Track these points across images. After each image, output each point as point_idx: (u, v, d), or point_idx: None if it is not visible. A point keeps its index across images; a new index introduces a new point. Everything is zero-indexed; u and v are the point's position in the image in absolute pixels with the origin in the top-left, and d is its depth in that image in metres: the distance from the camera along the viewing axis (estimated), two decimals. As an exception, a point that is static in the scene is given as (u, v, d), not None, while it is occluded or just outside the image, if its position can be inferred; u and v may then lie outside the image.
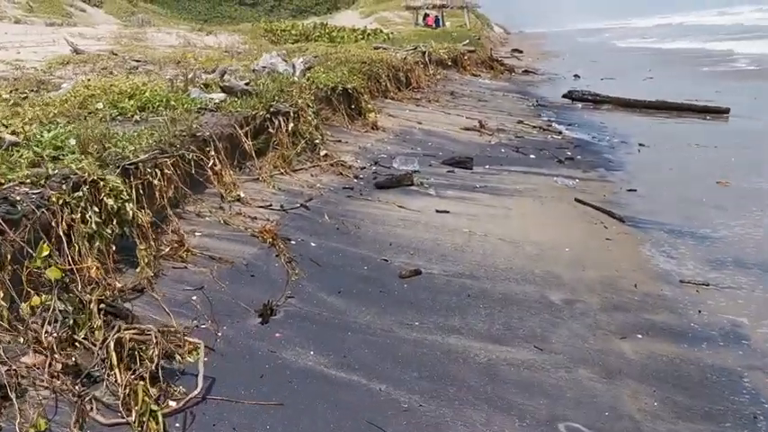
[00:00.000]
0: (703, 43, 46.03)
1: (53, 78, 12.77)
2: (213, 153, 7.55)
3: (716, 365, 5.02)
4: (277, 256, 6.13)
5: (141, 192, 5.84)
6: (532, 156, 11.63)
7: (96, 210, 5.09)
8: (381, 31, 30.33)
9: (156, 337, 4.09)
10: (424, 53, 22.00)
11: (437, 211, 8.01)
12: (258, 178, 8.22)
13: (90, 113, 8.22)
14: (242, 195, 7.51)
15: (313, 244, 6.57)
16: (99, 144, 5.82)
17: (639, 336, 5.37)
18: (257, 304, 5.23)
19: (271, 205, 7.41)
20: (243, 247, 6.18)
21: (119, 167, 5.66)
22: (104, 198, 5.18)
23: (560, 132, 14.07)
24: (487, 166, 10.59)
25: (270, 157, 8.75)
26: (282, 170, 8.65)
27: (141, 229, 5.51)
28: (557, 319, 5.57)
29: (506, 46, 51.19)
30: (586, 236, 7.69)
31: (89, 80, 9.88)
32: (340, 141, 10.77)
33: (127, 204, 5.34)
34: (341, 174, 9.06)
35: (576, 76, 27.34)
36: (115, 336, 4.06)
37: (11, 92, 9.99)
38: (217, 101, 8.91)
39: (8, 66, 14.69)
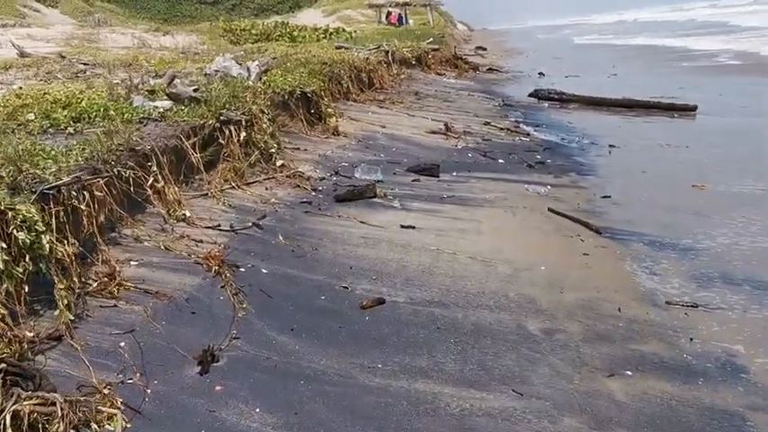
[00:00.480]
0: (661, 39, 46.06)
1: (-5, 84, 11.86)
2: (155, 169, 6.80)
3: (716, 407, 4.43)
4: (223, 287, 5.41)
5: (65, 219, 5.07)
6: (501, 160, 11.03)
7: (4, 245, 4.33)
8: (344, 30, 29.57)
9: (62, 410, 3.36)
10: (387, 52, 21.32)
11: (402, 227, 7.34)
12: (207, 194, 7.48)
13: (19, 125, 7.45)
14: (187, 215, 6.76)
15: (264, 270, 5.85)
16: (13, 165, 5.04)
17: (629, 372, 4.76)
18: (197, 349, 4.51)
19: (219, 225, 6.67)
20: (184, 278, 5.45)
21: (35, 193, 4.89)
22: (14, 231, 4.42)
23: (528, 134, 13.51)
24: (455, 173, 9.96)
25: (220, 169, 7.99)
26: (234, 184, 7.90)
27: (61, 263, 4.75)
28: (536, 353, 4.94)
29: (470, 43, 50.72)
30: (563, 251, 7.09)
31: (20, 88, 9.02)
32: (298, 149, 10.05)
33: (43, 237, 4.58)
34: (298, 186, 8.34)
35: (540, 73, 26.88)
36: (12, 408, 3.32)
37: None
38: (162, 109, 8.14)
39: (-56, 71, 13.69)
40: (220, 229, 6.60)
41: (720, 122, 15.58)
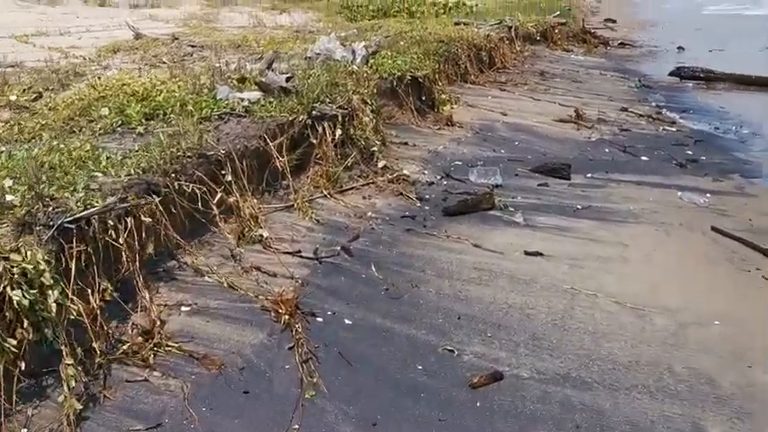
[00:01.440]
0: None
1: (97, 69, 11.15)
2: (229, 177, 5.58)
3: None
4: (291, 347, 4.10)
5: (94, 258, 3.91)
6: (644, 157, 9.11)
7: (-8, 310, 3.19)
8: (464, 4, 27.65)
9: None
10: (509, 28, 19.40)
11: (526, 254, 5.76)
12: (293, 205, 6.20)
13: (90, 122, 6.46)
14: (265, 235, 5.50)
15: (348, 321, 4.49)
16: (31, 188, 3.90)
17: None
18: (241, 455, 3.23)
19: (300, 251, 5.37)
20: (245, 333, 4.19)
21: (52, 227, 3.73)
22: (8, 289, 3.26)
23: (674, 122, 11.37)
24: (589, 175, 8.20)
25: (310, 174, 6.70)
26: (326, 192, 6.58)
27: (79, 326, 3.59)
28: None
29: (598, 15, 47.13)
30: (741, 294, 5.28)
31: (100, 78, 8.08)
32: (406, 144, 8.61)
33: (50, 293, 3.41)
34: (401, 194, 6.90)
35: (679, 48, 23.97)
36: None
37: (24, 90, 8.30)
38: (248, 102, 6.91)
39: (58, 54, 13.22)
40: (301, 256, 5.30)
41: None
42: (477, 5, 30.19)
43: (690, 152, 9.47)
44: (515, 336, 4.50)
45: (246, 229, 5.47)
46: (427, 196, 6.98)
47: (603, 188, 7.79)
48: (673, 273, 5.63)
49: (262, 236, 5.45)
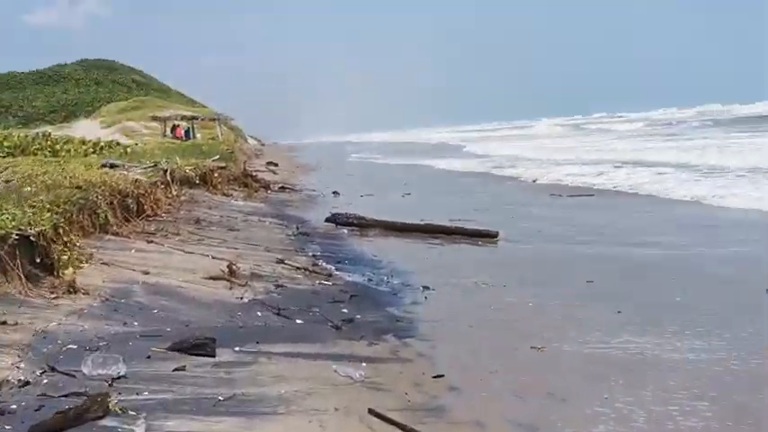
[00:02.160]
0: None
1: None
2: None
3: None
4: None
5: None
6: (299, 320, 8.29)
7: None
8: (118, 144, 25.94)
9: None
10: (165, 171, 18.19)
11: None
12: None
13: None
14: None
15: None
16: None
17: None
18: None
19: None
20: None
21: None
22: None
23: (330, 274, 10.96)
24: (237, 348, 7.01)
25: None
26: None
27: None
28: None
29: (261, 158, 48.73)
30: None
31: None
32: (4, 324, 6.60)
33: None
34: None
35: (335, 192, 25.08)
36: None
37: None
38: None
39: None
40: None
41: (524, 251, 14.22)
42: (136, 145, 28.65)
43: (345, 310, 8.92)
44: None
45: None
46: (14, 406, 5.08)
47: (252, 365, 6.63)
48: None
49: None
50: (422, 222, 16.36)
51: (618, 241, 15.06)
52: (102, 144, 24.86)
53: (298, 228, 15.23)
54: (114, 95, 54.48)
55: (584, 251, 13.98)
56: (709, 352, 7.42)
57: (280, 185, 26.68)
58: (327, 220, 16.91)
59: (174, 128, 39.55)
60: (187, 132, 38.83)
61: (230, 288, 9.39)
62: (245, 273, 10.33)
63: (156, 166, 18.45)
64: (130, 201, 13.54)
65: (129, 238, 11.85)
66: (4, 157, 22.08)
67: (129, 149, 24.52)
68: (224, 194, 20.55)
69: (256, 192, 23.29)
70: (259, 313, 8.34)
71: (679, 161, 31.46)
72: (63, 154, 22.59)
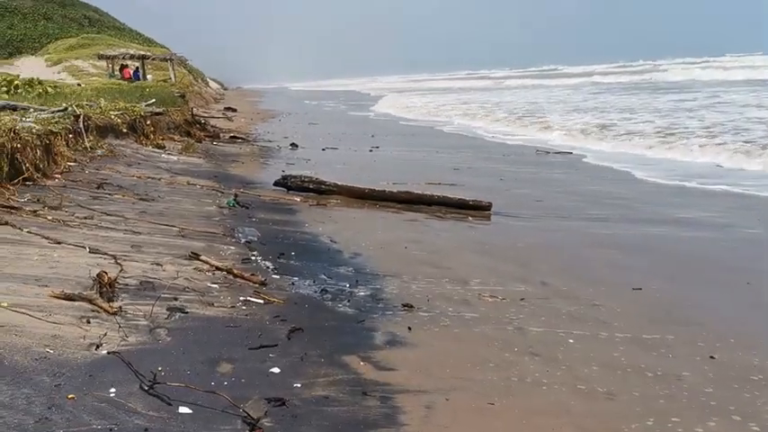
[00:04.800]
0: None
1: None
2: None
3: None
4: None
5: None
6: (185, 408, 4.26)
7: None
8: (40, 83, 21.10)
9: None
10: (77, 117, 13.77)
11: None
12: None
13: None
14: None
15: None
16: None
17: None
18: None
19: None
20: None
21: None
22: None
23: (265, 282, 6.88)
24: None
25: None
26: None
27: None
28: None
29: (221, 103, 43.81)
30: None
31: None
32: None
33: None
34: None
35: (293, 144, 20.82)
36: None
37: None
38: None
39: None
40: None
41: (529, 232, 10.41)
42: (62, 86, 23.82)
43: (276, 369, 4.91)
44: None
45: None
46: None
47: None
48: None
49: None
50: (395, 190, 12.36)
51: (642, 217, 11.31)
52: (18, 83, 20.09)
53: (235, 196, 11.06)
54: (64, 32, 48.52)
55: (606, 233, 10.20)
56: None
57: (231, 134, 22.28)
58: (277, 183, 12.80)
59: (122, 68, 34.41)
60: (136, 73, 33.76)
61: (87, 321, 5.30)
62: (131, 281, 6.27)
63: (65, 110, 13.99)
64: (2, 159, 9.24)
65: (-24, 216, 7.64)
66: None
67: (52, 89, 19.78)
68: (157, 146, 16.17)
69: (200, 142, 18.94)
70: (112, 391, 4.28)
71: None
72: (-33, 92, 17.84)
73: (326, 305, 6.51)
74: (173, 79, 35.12)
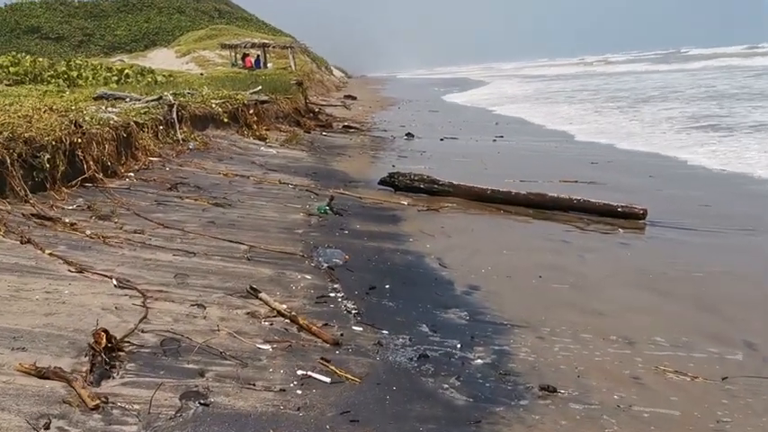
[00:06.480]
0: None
1: None
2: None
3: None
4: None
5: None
6: None
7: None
8: (151, 72, 20.22)
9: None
10: (171, 106, 12.32)
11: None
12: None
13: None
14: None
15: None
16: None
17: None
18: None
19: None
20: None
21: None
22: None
23: (338, 341, 4.71)
24: None
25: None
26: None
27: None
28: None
29: (342, 91, 42.51)
30: None
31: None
32: None
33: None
34: None
35: (408, 134, 18.61)
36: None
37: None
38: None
39: None
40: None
41: (697, 246, 7.59)
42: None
43: None
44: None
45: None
46: None
47: None
48: None
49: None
50: (524, 191, 9.81)
51: None
52: (129, 71, 19.30)
53: (331, 200, 8.98)
54: (196, 24, 49.31)
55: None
56: None
57: (345, 124, 20.42)
58: (382, 182, 10.63)
59: (243, 57, 33.78)
60: (257, 62, 32.99)
61: (46, 428, 3.34)
62: (149, 338, 4.31)
63: (159, 99, 12.58)
64: (48, 156, 7.68)
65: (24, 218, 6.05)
66: (11, 84, 16.88)
67: (165, 78, 18.80)
68: (258, 137, 14.50)
69: (308, 132, 17.17)
70: None
71: None
72: (81, 83, 17.15)
73: (425, 386, 4.23)
74: (293, 67, 33.99)
